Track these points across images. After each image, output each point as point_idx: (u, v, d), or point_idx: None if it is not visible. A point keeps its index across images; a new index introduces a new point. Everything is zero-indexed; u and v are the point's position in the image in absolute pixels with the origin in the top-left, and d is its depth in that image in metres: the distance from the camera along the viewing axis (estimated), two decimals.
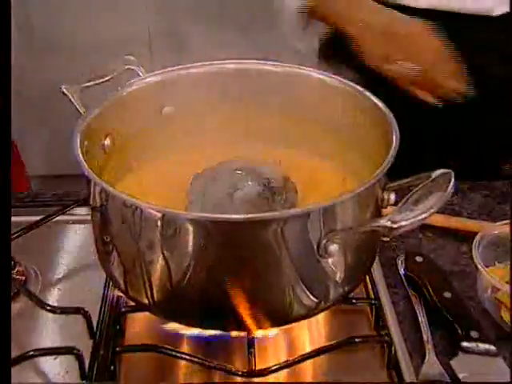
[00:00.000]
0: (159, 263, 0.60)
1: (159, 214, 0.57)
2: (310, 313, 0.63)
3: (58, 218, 0.81)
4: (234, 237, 0.57)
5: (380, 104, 0.67)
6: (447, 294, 0.72)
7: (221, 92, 0.74)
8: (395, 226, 0.53)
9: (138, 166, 0.75)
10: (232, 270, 0.59)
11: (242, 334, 0.65)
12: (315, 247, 0.57)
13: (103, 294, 0.71)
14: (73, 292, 0.74)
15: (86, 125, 0.66)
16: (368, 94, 0.69)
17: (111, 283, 0.72)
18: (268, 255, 0.58)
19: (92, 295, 0.72)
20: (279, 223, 0.56)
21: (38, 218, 0.81)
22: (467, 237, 0.84)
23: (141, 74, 0.75)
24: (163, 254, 0.59)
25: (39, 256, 0.79)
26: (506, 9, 0.93)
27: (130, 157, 0.74)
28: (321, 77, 0.72)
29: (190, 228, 0.57)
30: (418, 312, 0.72)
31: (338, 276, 0.62)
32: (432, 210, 0.54)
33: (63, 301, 0.73)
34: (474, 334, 0.68)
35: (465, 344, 0.67)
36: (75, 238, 0.82)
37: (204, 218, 0.58)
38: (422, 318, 0.72)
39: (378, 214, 0.62)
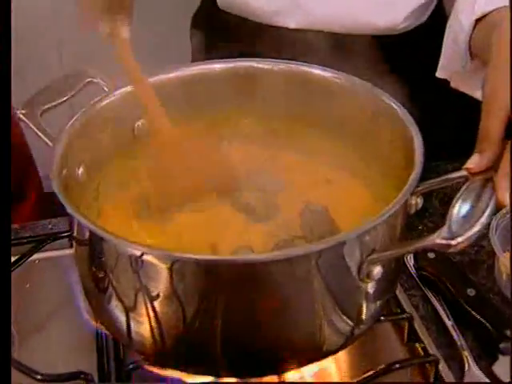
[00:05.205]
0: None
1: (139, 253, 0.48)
2: (347, 341, 0.56)
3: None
4: (253, 278, 0.49)
5: (396, 106, 0.60)
6: (471, 292, 0.67)
7: (206, 97, 0.64)
8: (453, 242, 0.46)
9: (116, 193, 0.65)
10: (256, 314, 0.51)
11: (274, 378, 0.57)
12: (355, 273, 0.50)
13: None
14: (57, 349, 0.64)
15: (59, 156, 0.56)
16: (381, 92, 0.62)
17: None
18: (303, 291, 0.51)
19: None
20: (313, 257, 0.49)
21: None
22: None
23: (105, 87, 0.65)
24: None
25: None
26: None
27: (108, 183, 0.64)
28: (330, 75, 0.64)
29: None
30: (442, 315, 0.67)
31: (373, 296, 0.55)
32: (488, 216, 0.48)
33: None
34: (508, 332, 0.63)
35: (503, 345, 0.62)
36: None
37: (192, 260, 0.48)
38: (450, 322, 0.66)
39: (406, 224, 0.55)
